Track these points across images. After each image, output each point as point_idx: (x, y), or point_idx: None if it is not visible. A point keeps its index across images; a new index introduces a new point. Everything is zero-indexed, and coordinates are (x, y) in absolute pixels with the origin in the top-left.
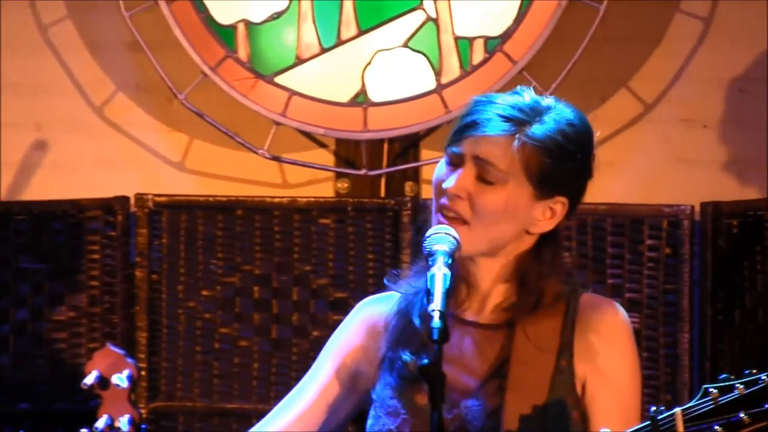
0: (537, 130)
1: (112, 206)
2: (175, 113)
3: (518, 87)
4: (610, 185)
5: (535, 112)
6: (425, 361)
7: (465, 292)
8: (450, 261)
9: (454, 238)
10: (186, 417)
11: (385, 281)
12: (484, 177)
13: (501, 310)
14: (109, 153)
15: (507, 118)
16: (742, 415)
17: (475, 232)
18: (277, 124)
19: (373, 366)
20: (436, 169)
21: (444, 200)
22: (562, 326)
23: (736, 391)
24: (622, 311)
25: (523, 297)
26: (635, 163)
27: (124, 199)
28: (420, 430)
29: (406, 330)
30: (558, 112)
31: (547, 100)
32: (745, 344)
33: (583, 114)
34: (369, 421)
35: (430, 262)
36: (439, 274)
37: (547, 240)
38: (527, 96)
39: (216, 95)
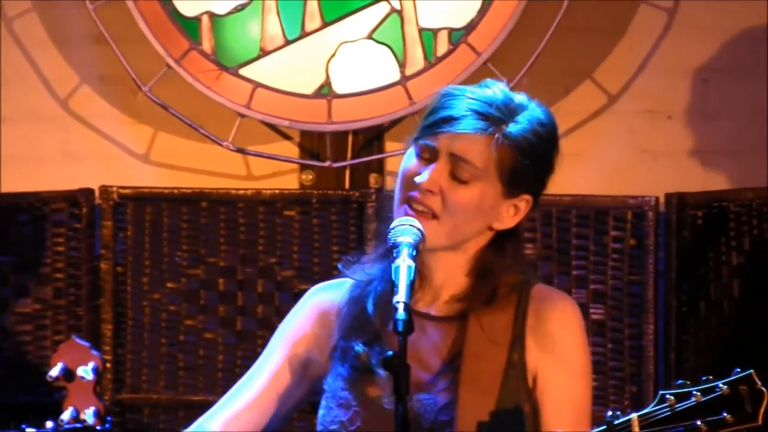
0: (512, 129)
1: (77, 198)
2: (140, 105)
3: (487, 80)
4: (574, 177)
5: (509, 111)
6: (389, 353)
7: (418, 284)
8: (414, 253)
9: (419, 230)
10: (151, 409)
11: (340, 266)
12: (457, 174)
13: (455, 302)
14: (73, 145)
15: (484, 116)
16: (698, 423)
17: (444, 227)
18: (242, 116)
19: (324, 354)
20: (404, 159)
21: (415, 193)
22: (514, 318)
23: (693, 399)
24: (573, 303)
25: (479, 289)
26: (600, 154)
27: (89, 192)
28: (371, 423)
29: (359, 318)
30: (531, 112)
31: (519, 97)
32: (710, 335)
33: (551, 112)
34: (320, 411)
35: (394, 254)
36: (404, 265)
37: (508, 235)
38: (498, 91)
39: (180, 87)
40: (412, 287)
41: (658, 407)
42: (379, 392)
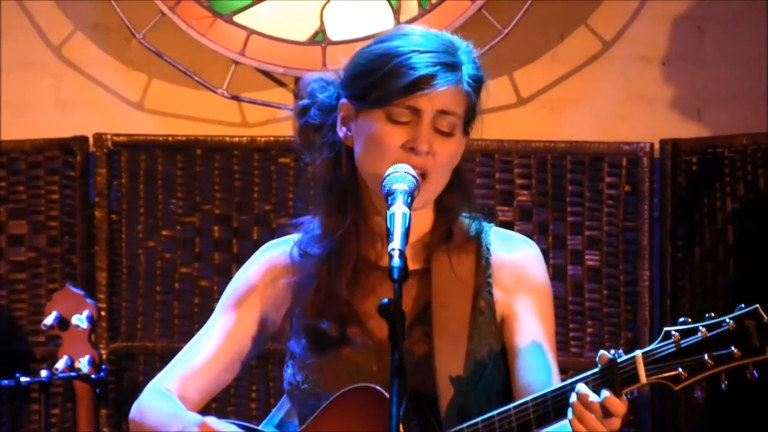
0: (468, 70)
1: (71, 146)
2: (134, 53)
3: (401, 26)
4: (569, 123)
5: (454, 51)
6: (385, 300)
7: (380, 243)
8: (409, 200)
9: (414, 176)
10: (146, 357)
11: (296, 245)
12: (440, 128)
13: (417, 252)
14: (67, 93)
15: (450, 66)
16: (705, 357)
17: (434, 183)
18: (236, 63)
19: (279, 314)
20: (370, 127)
21: (411, 160)
22: (476, 266)
23: (699, 334)
24: (534, 247)
25: (436, 230)
26: (594, 100)
27: (83, 139)
28: (347, 380)
29: (324, 294)
30: (465, 47)
31: (448, 35)
32: (705, 281)
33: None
34: (288, 371)
35: (389, 201)
36: (399, 212)
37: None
38: (433, 36)
39: (174, 34)
40: (407, 234)
41: (662, 344)
42: (350, 351)
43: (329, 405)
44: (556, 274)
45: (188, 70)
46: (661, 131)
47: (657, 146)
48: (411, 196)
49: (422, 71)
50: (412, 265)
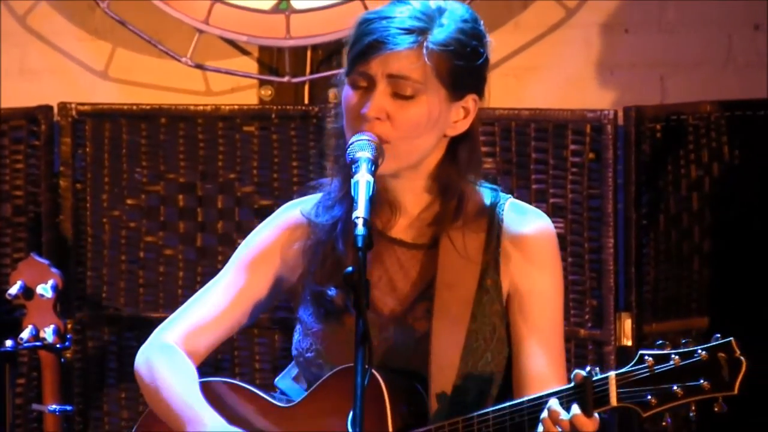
0: (439, 34)
1: (36, 115)
2: (98, 21)
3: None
4: (532, 91)
5: (430, 17)
6: (350, 269)
7: (389, 211)
8: (373, 168)
9: (378, 143)
10: (112, 327)
11: (304, 215)
12: (400, 93)
13: (426, 226)
14: (32, 62)
15: (408, 30)
16: (675, 387)
17: (399, 149)
18: (200, 31)
19: (294, 274)
20: (344, 98)
21: (364, 126)
22: (485, 243)
23: (672, 362)
24: (547, 221)
25: (444, 206)
26: (558, 68)
27: (48, 109)
28: (347, 350)
29: (331, 261)
30: (451, 12)
31: (436, 3)
32: (670, 248)
33: (470, 7)
34: (295, 336)
35: (353, 169)
36: (363, 180)
37: (461, 139)
38: (414, 3)
39: (138, 3)
40: (371, 202)
41: (636, 368)
42: (353, 321)
43: (322, 383)
44: None
45: (152, 38)
46: (624, 99)
47: (621, 114)
48: (374, 164)
49: (374, 36)
50: (418, 240)
